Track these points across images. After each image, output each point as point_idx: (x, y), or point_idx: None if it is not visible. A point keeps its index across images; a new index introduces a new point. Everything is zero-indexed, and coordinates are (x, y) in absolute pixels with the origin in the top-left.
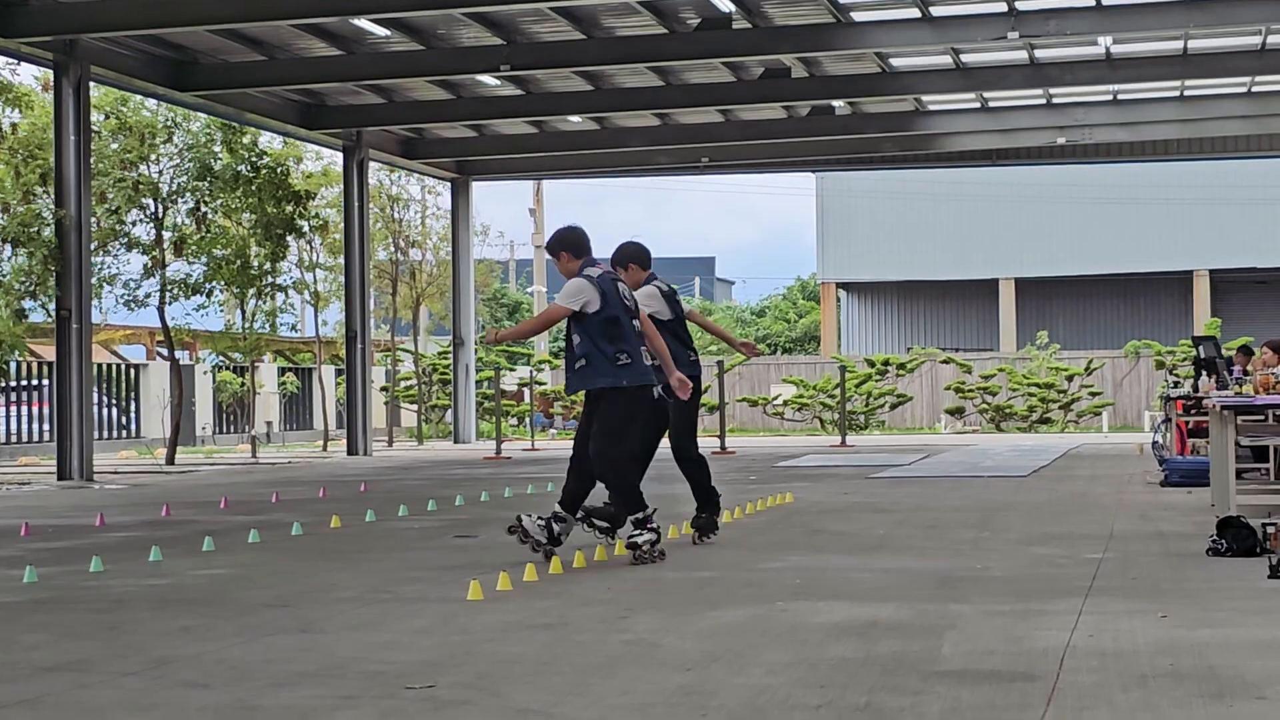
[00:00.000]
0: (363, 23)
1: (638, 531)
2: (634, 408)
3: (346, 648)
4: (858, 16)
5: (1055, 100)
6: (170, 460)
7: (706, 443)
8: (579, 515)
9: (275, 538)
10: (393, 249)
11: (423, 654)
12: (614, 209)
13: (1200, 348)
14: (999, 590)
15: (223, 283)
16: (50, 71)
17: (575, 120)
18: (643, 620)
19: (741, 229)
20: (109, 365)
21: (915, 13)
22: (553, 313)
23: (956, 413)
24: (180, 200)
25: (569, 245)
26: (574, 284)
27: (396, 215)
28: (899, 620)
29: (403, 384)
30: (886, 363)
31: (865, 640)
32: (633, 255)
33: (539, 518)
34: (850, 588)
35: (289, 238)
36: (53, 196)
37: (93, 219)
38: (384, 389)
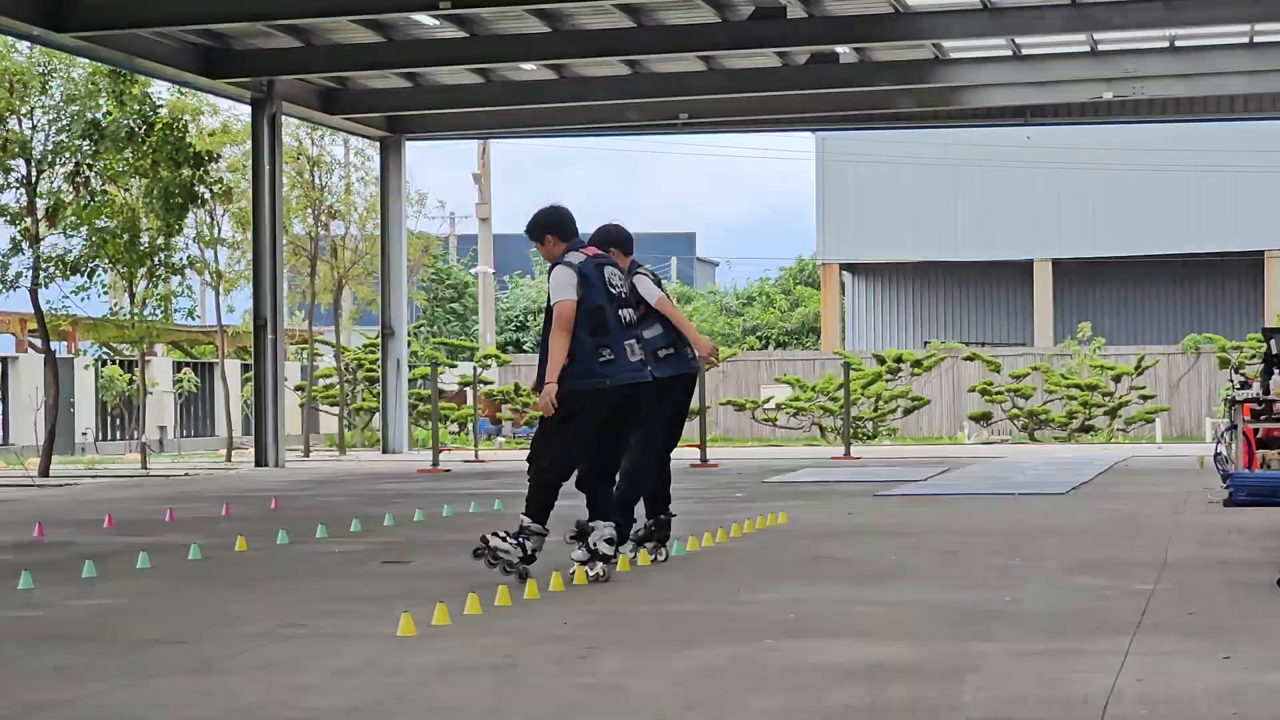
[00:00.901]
0: None
1: (606, 545)
2: (621, 408)
3: (253, 692)
4: None
5: (1101, 47)
6: (44, 471)
7: (685, 454)
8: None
9: (169, 562)
10: (311, 222)
11: (344, 699)
12: (576, 175)
13: (1272, 342)
14: (1031, 626)
15: (107, 260)
16: None
17: (529, 68)
18: (606, 660)
19: (727, 200)
20: None
21: None
22: (565, 313)
23: (982, 419)
24: (58, 162)
25: (554, 227)
26: (559, 274)
27: (316, 181)
28: (911, 661)
29: (322, 382)
30: (899, 359)
31: (871, 685)
32: (615, 240)
33: (506, 533)
34: (854, 623)
35: (187, 207)
36: None
37: None
38: (299, 388)
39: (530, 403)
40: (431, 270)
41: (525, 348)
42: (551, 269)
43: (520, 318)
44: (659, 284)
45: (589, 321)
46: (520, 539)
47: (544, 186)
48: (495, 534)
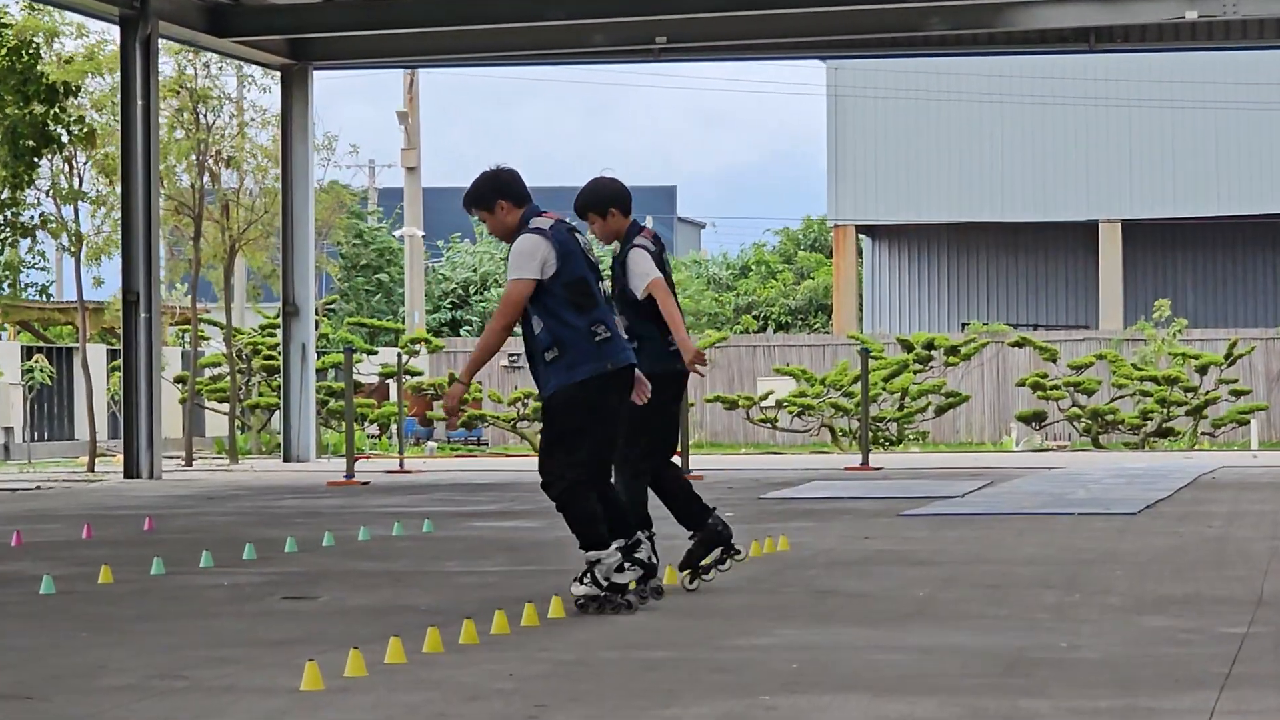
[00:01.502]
0: None
1: (619, 564)
2: (623, 395)
3: None
4: None
5: None
6: None
7: None
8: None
9: (15, 597)
10: (196, 172)
11: None
12: (526, 114)
13: None
14: (1093, 679)
15: None
16: None
17: None
18: None
19: (716, 147)
20: None
21: None
22: (516, 296)
23: (1035, 420)
24: None
25: (507, 190)
26: (524, 243)
27: (201, 121)
28: None
29: (208, 373)
30: (931, 345)
31: None
32: (611, 197)
33: (585, 576)
34: (872, 675)
35: (40, 153)
36: None
37: None
38: (180, 380)
39: (471, 398)
40: (350, 234)
41: (466, 330)
42: (515, 237)
43: (459, 291)
44: (661, 260)
45: (573, 296)
46: (608, 572)
47: (488, 128)
48: (578, 581)
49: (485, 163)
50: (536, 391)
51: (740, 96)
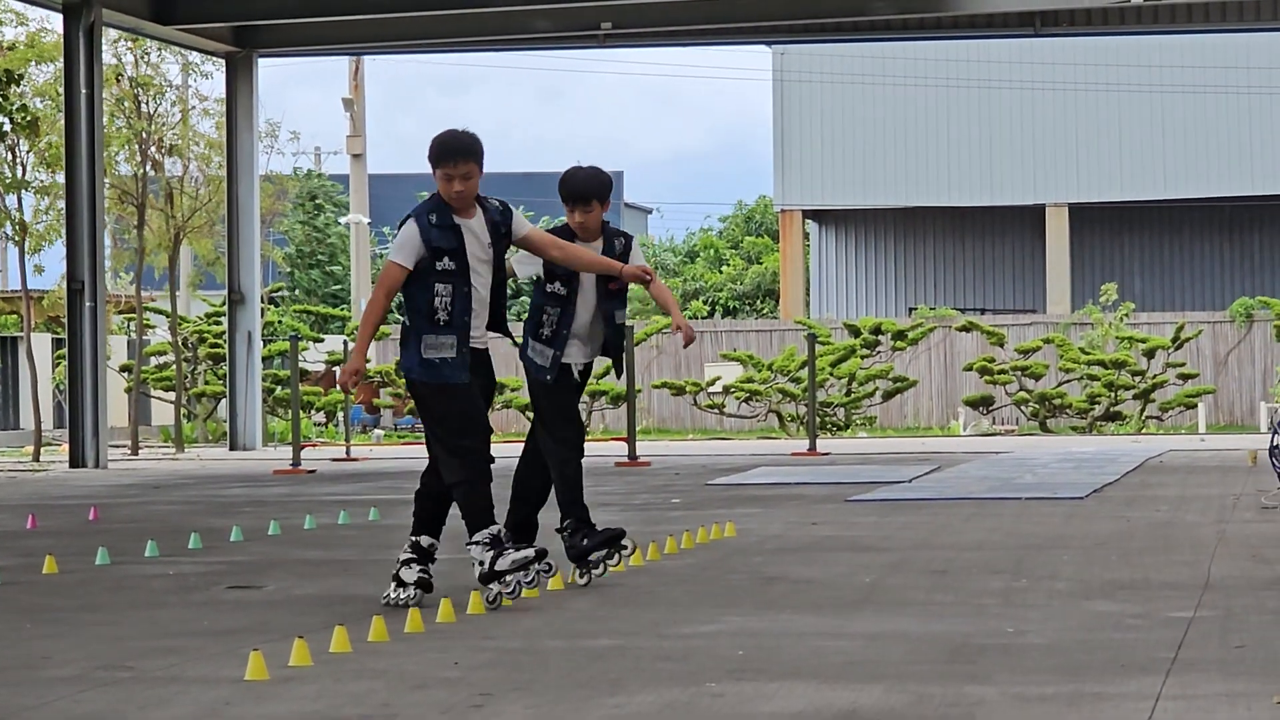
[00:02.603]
0: None
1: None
2: None
3: None
4: None
5: None
6: None
7: (609, 449)
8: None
9: None
10: (140, 160)
11: None
12: (477, 101)
13: None
14: (1039, 665)
15: None
16: None
17: None
18: (506, 710)
19: (663, 133)
20: None
21: None
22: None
23: (982, 404)
24: None
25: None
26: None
27: (145, 109)
28: (889, 709)
29: (154, 361)
30: (878, 330)
31: None
32: (600, 189)
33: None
34: (818, 662)
35: None
36: None
37: None
38: (125, 369)
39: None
40: (296, 219)
41: None
42: (474, 208)
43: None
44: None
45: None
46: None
47: (438, 115)
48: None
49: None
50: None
51: (690, 81)
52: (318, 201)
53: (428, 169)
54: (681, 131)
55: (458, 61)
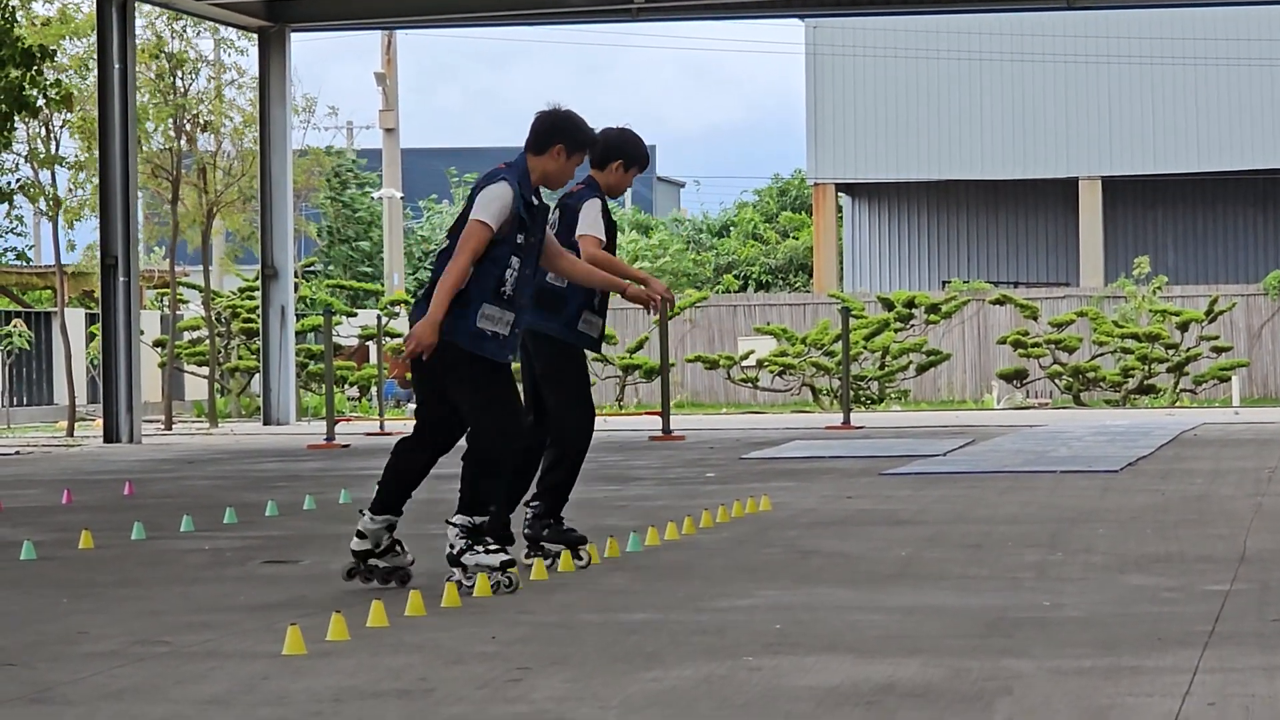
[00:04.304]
0: None
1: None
2: None
3: None
4: None
5: None
6: None
7: (643, 423)
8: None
9: None
10: (173, 135)
11: None
12: (516, 76)
13: None
14: (1075, 638)
15: None
16: None
17: None
18: (543, 684)
19: (701, 106)
20: None
21: None
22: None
23: (1016, 378)
24: None
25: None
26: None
27: (179, 84)
28: (926, 682)
29: (187, 336)
30: (911, 303)
31: (876, 713)
32: (643, 157)
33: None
34: (854, 636)
35: (16, 117)
36: None
37: None
38: (159, 344)
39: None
40: (334, 201)
41: None
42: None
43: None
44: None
45: None
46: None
47: (478, 90)
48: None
49: (475, 124)
50: None
51: (727, 56)
52: (341, 178)
53: (463, 143)
54: (718, 106)
55: (499, 36)
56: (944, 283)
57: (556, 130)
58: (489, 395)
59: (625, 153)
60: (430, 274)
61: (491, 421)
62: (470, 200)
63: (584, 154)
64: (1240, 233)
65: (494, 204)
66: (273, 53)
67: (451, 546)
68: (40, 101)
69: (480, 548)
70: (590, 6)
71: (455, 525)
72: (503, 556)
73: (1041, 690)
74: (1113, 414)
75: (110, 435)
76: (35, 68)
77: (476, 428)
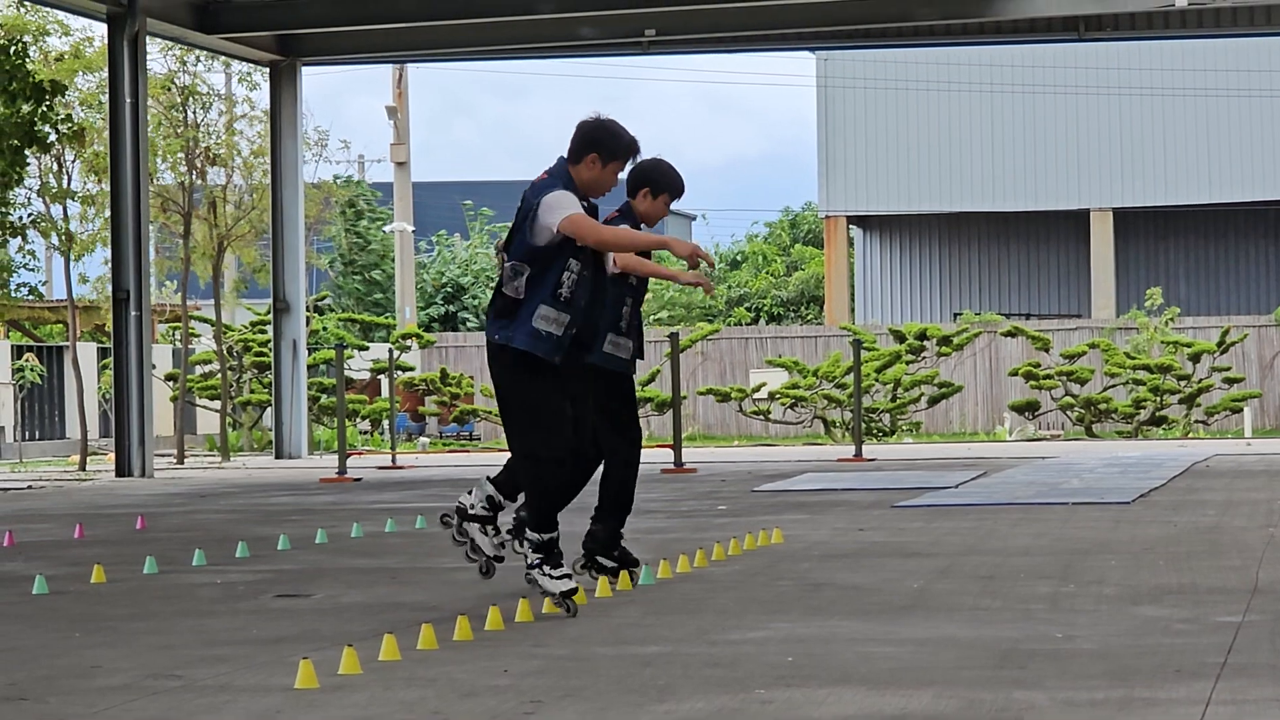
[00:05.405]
0: None
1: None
2: None
3: None
4: None
5: None
6: None
7: (655, 456)
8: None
9: (8, 598)
10: (185, 169)
11: None
12: (533, 108)
13: None
14: (1088, 670)
15: None
16: None
17: None
18: (556, 717)
19: (717, 138)
20: None
21: None
22: None
23: (1028, 410)
24: None
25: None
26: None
27: (190, 118)
28: (939, 714)
29: (199, 370)
30: (923, 335)
31: None
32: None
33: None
34: (867, 667)
35: (27, 151)
36: None
37: None
38: (171, 378)
39: (463, 393)
40: (348, 233)
41: (464, 324)
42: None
43: (449, 288)
44: None
45: None
46: None
47: (491, 123)
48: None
49: (490, 157)
50: None
51: (742, 89)
52: (356, 209)
53: (475, 176)
54: (733, 138)
55: (514, 69)
56: (955, 314)
57: (589, 140)
58: (535, 410)
59: (650, 179)
60: (496, 283)
61: (538, 438)
62: (524, 214)
63: (621, 162)
64: (1252, 264)
65: (564, 198)
66: (284, 86)
67: (527, 559)
68: (52, 137)
69: (549, 567)
70: (602, 40)
71: (528, 541)
72: (566, 585)
73: None
74: (1125, 445)
75: (122, 469)
76: (48, 103)
77: (520, 446)
